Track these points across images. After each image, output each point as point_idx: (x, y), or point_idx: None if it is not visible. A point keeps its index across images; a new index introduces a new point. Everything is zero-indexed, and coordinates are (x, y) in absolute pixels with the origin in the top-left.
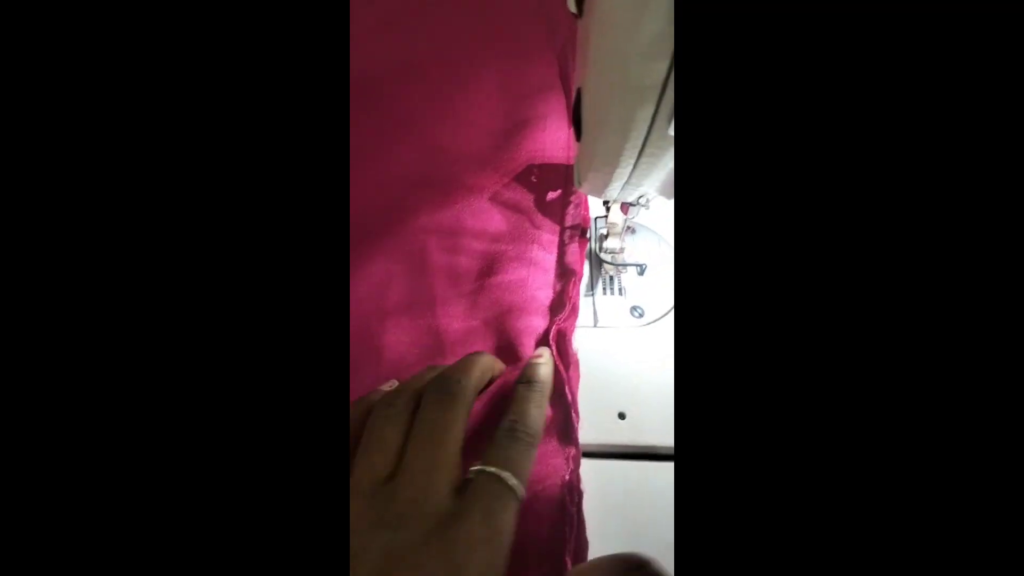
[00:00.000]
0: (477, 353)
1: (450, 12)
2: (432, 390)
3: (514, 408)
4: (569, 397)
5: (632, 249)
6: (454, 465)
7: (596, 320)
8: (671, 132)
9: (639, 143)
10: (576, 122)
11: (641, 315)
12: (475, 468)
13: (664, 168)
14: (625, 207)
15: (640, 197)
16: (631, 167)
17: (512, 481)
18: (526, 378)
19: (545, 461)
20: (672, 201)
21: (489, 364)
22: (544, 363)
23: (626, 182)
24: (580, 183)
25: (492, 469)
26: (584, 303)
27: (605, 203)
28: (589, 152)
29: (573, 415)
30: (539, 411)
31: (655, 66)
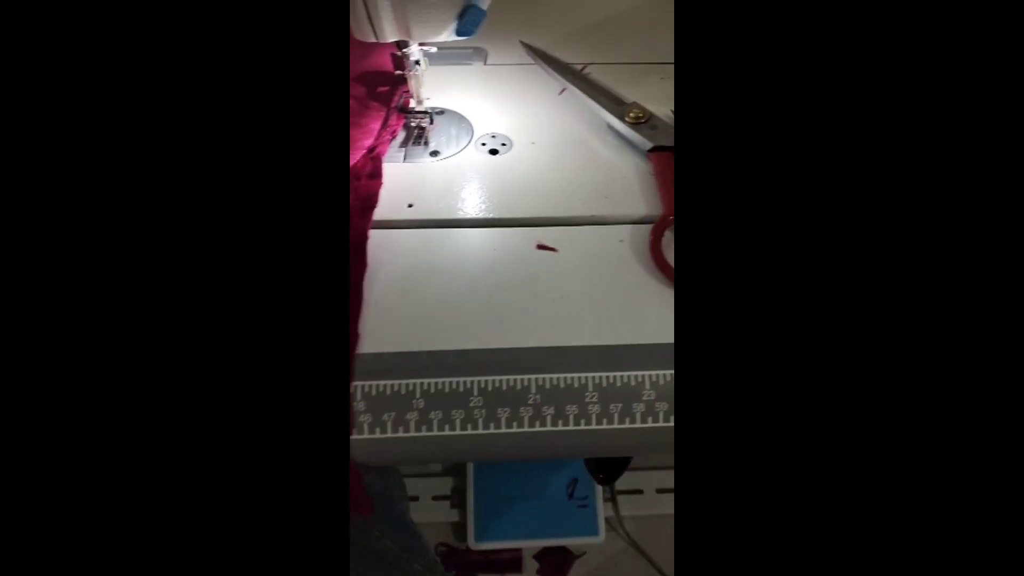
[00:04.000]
0: None
1: None
2: None
3: None
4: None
5: (439, 126)
6: None
7: (405, 158)
8: None
9: None
10: None
11: (436, 154)
12: None
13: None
14: (405, 63)
15: (410, 51)
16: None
17: None
18: None
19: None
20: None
21: None
22: None
23: (392, 23)
24: (378, 36)
25: None
26: (400, 153)
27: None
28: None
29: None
30: None
31: None
